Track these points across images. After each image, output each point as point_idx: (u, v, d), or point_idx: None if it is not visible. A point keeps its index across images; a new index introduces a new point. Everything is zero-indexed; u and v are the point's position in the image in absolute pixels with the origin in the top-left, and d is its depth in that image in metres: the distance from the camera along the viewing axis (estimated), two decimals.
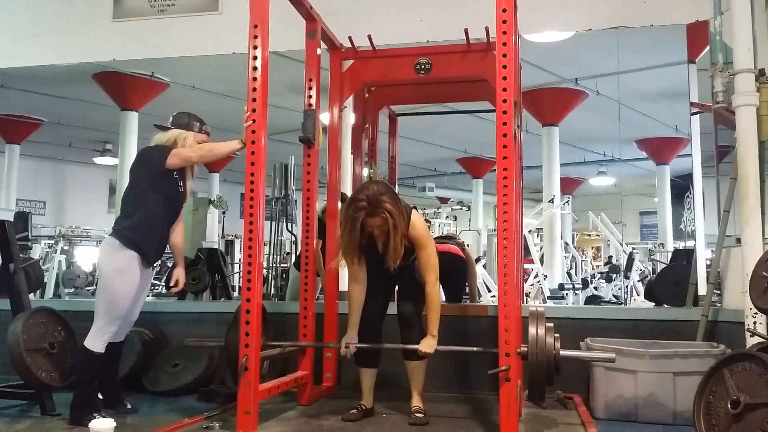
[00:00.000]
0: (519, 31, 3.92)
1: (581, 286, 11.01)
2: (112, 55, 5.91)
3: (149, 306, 4.26)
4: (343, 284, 4.23)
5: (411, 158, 14.59)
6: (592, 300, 10.19)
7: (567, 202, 12.76)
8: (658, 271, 8.07)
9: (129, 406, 3.89)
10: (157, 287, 9.49)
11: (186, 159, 3.71)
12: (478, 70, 4.21)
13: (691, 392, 3.11)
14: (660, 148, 13.40)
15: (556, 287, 10.34)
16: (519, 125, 3.65)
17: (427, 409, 3.65)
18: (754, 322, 3.75)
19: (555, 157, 11.47)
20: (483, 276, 9.13)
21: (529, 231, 10.27)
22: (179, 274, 3.97)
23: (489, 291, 8.98)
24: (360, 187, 3.74)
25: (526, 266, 9.44)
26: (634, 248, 11.96)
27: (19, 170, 13.18)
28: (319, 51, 4.20)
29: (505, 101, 3.19)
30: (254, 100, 3.30)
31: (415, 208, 3.70)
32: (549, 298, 9.60)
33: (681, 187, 11.90)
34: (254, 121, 3.30)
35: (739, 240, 4.06)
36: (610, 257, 13.60)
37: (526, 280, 9.58)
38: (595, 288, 11.48)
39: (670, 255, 8.83)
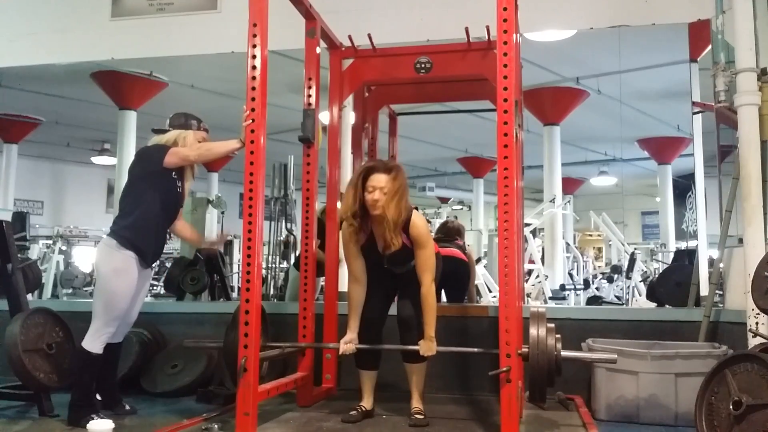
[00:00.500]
0: (520, 29, 3.90)
1: (582, 286, 11.01)
2: (110, 54, 5.88)
3: (148, 306, 4.24)
4: (343, 285, 4.21)
5: (411, 158, 14.58)
6: (594, 300, 10.19)
7: (568, 202, 12.76)
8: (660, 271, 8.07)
9: (127, 408, 3.88)
10: (155, 287, 9.47)
11: (184, 158, 3.69)
12: (479, 69, 4.19)
13: (693, 393, 3.10)
14: (662, 148, 13.40)
15: (558, 288, 10.33)
16: (520, 124, 3.63)
17: (428, 411, 3.63)
18: (757, 323, 3.74)
19: (556, 157, 11.47)
20: (484, 276, 9.11)
21: (530, 231, 10.26)
22: (213, 238, 3.92)
23: (490, 291, 8.97)
24: None
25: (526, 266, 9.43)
26: (635, 248, 11.97)
27: (17, 170, 13.20)
28: (318, 50, 4.18)
29: (505, 100, 3.18)
30: (253, 99, 3.28)
31: (416, 208, 3.68)
32: (550, 298, 9.59)
33: (683, 187, 11.91)
34: (253, 120, 3.28)
35: (741, 240, 4.05)
36: (610, 261, 13.61)
37: (527, 281, 9.56)
38: (597, 288, 11.49)
39: (672, 255, 8.83)
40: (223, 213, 10.05)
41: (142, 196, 3.68)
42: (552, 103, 10.86)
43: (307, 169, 4.12)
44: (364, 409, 3.65)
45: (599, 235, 15.64)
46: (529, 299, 8.93)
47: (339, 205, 4.35)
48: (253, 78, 3.28)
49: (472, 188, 17.05)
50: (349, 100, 4.73)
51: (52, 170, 16.21)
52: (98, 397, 3.77)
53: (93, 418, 3.39)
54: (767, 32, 4.30)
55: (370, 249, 3.63)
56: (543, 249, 11.38)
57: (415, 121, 8.03)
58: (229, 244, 11.44)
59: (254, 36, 3.30)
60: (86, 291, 10.07)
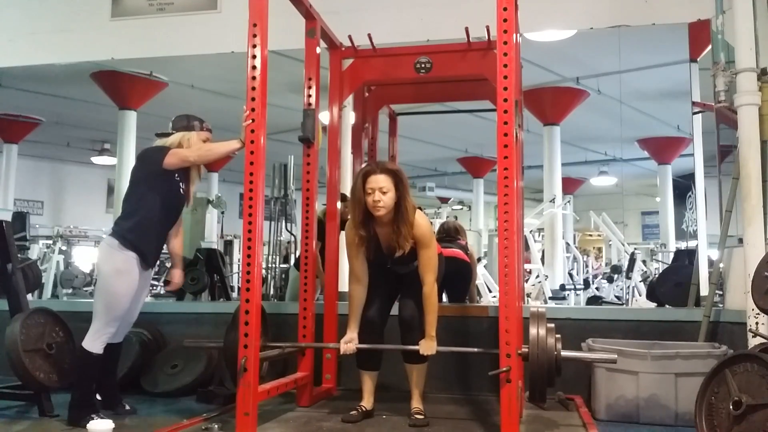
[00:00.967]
0: (520, 29, 3.90)
1: (582, 286, 11.01)
2: (110, 54, 5.88)
3: (148, 306, 4.23)
4: (343, 285, 4.20)
5: (411, 158, 14.57)
6: (594, 300, 10.19)
7: (568, 202, 12.75)
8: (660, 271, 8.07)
9: (127, 408, 3.87)
10: (155, 288, 9.47)
11: (183, 159, 3.69)
12: (479, 69, 4.18)
13: (693, 393, 3.10)
14: (662, 148, 13.39)
15: (558, 288, 10.33)
16: (520, 125, 3.63)
17: (428, 411, 3.63)
18: (757, 323, 3.74)
19: (556, 157, 11.46)
20: (484, 276, 9.11)
21: (530, 231, 10.26)
22: (176, 274, 3.97)
23: (490, 291, 8.97)
24: None
25: (526, 266, 9.43)
26: (635, 248, 11.96)
27: (17, 170, 13.19)
28: (318, 50, 4.17)
29: (505, 101, 3.18)
30: (253, 99, 3.28)
31: (420, 208, 3.68)
32: (550, 298, 9.59)
33: (683, 187, 11.90)
34: (253, 120, 3.27)
35: (741, 240, 4.05)
36: (610, 260, 13.62)
37: (527, 281, 9.57)
38: (597, 288, 11.48)
39: (672, 255, 8.83)
40: (223, 213, 10.08)
41: (144, 198, 3.69)
42: (552, 103, 10.85)
43: (307, 169, 4.12)
44: (364, 409, 3.64)
45: (599, 235, 15.64)
46: (529, 299, 8.93)
47: (339, 205, 4.36)
48: (253, 78, 3.28)
49: (472, 188, 17.05)
50: (349, 100, 4.73)
51: (52, 170, 16.20)
52: (98, 397, 3.77)
53: (93, 418, 3.39)
54: (767, 32, 4.30)
55: (374, 251, 3.63)
56: (543, 249, 11.39)
57: (415, 121, 8.02)
58: (229, 244, 11.46)
59: (254, 36, 3.30)
60: (86, 291, 10.07)
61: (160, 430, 3.38)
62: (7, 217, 9.70)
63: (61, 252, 11.08)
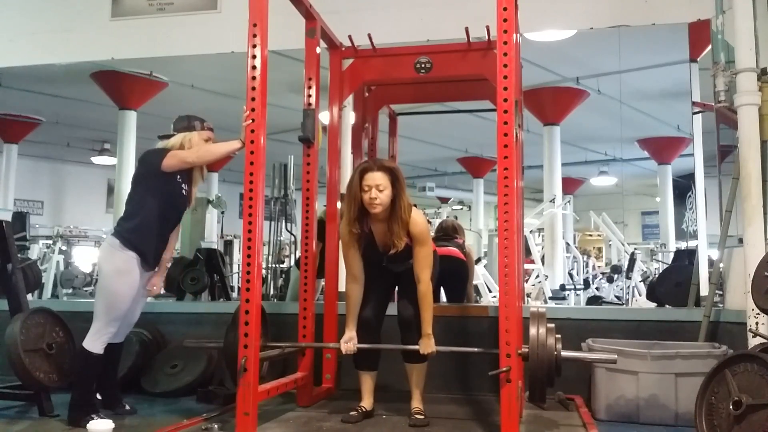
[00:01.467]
0: (520, 29, 3.90)
1: (583, 286, 11.00)
2: (110, 54, 5.88)
3: (148, 307, 4.23)
4: (343, 285, 4.20)
5: (411, 158, 14.57)
6: (594, 300, 10.19)
7: (568, 202, 12.75)
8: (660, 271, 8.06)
9: (127, 407, 3.88)
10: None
11: (182, 160, 3.68)
12: (479, 69, 4.18)
13: (693, 393, 3.10)
14: (662, 148, 13.39)
15: (558, 288, 10.33)
16: (520, 125, 3.63)
17: (428, 411, 3.63)
18: (757, 323, 3.74)
19: (556, 157, 11.46)
20: (484, 276, 9.11)
21: (531, 231, 10.26)
22: (156, 281, 3.89)
23: (490, 291, 8.97)
24: None
25: (526, 266, 9.43)
26: (635, 248, 11.95)
27: (17, 170, 13.19)
28: (318, 50, 4.17)
29: (505, 101, 3.18)
30: (253, 99, 3.28)
31: (415, 206, 3.68)
32: (550, 298, 9.59)
33: (683, 187, 11.90)
34: (253, 120, 3.27)
35: (741, 240, 4.04)
36: (610, 260, 13.62)
37: (527, 281, 9.57)
38: (597, 288, 11.48)
39: (672, 255, 8.83)
40: (223, 213, 10.06)
41: (144, 200, 3.69)
42: (552, 103, 10.85)
43: (307, 169, 4.12)
44: (364, 409, 3.64)
45: (599, 235, 15.63)
46: (529, 299, 8.93)
47: (339, 206, 4.36)
48: (253, 78, 3.28)
49: (472, 188, 17.04)
50: (349, 100, 4.73)
51: (52, 170, 16.19)
52: (98, 396, 3.77)
53: (93, 418, 3.39)
54: (767, 32, 4.30)
55: (369, 248, 3.63)
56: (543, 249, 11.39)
57: (415, 121, 8.02)
58: (229, 244, 11.46)
59: (254, 36, 3.30)
60: (86, 291, 10.07)
61: (160, 430, 3.39)
62: (7, 217, 9.69)
63: (61, 252, 11.08)
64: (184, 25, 5.57)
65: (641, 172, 15.90)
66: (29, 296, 4.62)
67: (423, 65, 4.29)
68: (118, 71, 9.32)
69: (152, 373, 4.58)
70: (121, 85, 9.85)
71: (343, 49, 4.45)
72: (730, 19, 4.22)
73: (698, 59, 5.72)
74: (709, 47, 4.59)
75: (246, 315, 3.20)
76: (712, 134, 4.74)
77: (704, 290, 4.64)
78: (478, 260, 9.12)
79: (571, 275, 11.68)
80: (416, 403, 3.64)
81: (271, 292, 6.71)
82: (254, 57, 3.28)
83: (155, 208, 3.68)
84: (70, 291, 10.33)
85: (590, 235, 16.64)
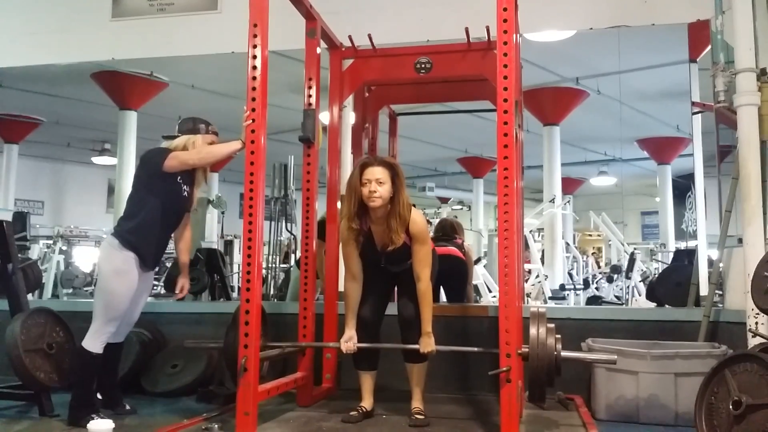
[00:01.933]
0: (520, 30, 3.90)
1: (582, 286, 11.00)
2: (110, 54, 5.89)
3: (148, 306, 4.23)
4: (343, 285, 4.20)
5: (411, 158, 14.57)
6: (594, 300, 10.18)
7: (568, 202, 12.75)
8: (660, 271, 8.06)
9: (127, 407, 3.88)
10: (156, 287, 9.47)
11: (183, 162, 3.69)
12: (479, 69, 4.19)
13: (693, 393, 3.10)
14: (661, 148, 13.38)
15: (557, 287, 10.33)
16: (520, 125, 3.64)
17: (428, 411, 3.63)
18: (756, 323, 3.74)
19: (556, 157, 11.46)
20: (484, 276, 9.11)
21: (530, 231, 10.26)
22: (180, 283, 3.99)
23: (490, 291, 8.97)
24: None
25: (526, 266, 9.44)
26: (635, 248, 11.95)
27: (18, 170, 13.17)
28: (318, 50, 4.18)
29: (505, 101, 3.18)
30: (254, 99, 3.28)
31: (414, 205, 3.68)
32: (550, 298, 9.59)
33: (682, 187, 11.89)
34: (254, 120, 3.28)
35: (740, 240, 4.05)
36: (609, 261, 13.62)
37: (527, 281, 9.57)
38: (597, 288, 11.47)
39: (671, 255, 8.83)
40: (223, 213, 10.06)
41: (145, 200, 3.70)
42: (552, 103, 10.85)
43: (308, 169, 4.12)
44: (364, 409, 3.64)
45: (599, 235, 15.63)
46: (529, 299, 8.94)
47: (339, 206, 4.36)
48: (254, 78, 3.29)
49: (472, 188, 17.04)
50: (349, 100, 4.73)
51: (52, 170, 16.18)
52: (99, 396, 3.78)
53: (93, 418, 3.39)
54: (767, 32, 4.30)
55: (368, 247, 3.63)
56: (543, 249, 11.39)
57: (415, 121, 8.02)
58: (229, 244, 11.45)
59: (254, 36, 3.30)
60: (86, 291, 10.06)
61: (160, 430, 3.39)
62: (8, 217, 9.69)
63: (61, 252, 11.08)
64: (185, 26, 5.57)
65: (641, 172, 15.90)
66: (29, 296, 4.62)
67: (423, 65, 4.30)
68: (119, 71, 9.32)
69: (152, 373, 4.58)
70: (122, 86, 9.85)
71: (344, 49, 4.46)
72: (730, 20, 4.22)
73: (698, 59, 5.72)
74: (709, 47, 4.59)
75: (246, 315, 3.21)
76: (712, 134, 4.74)
77: (704, 290, 4.65)
78: (478, 260, 9.12)
79: (570, 275, 11.69)
80: (416, 403, 3.64)
81: (272, 292, 6.70)
82: (255, 57, 3.28)
83: (156, 208, 3.68)
84: (70, 291, 10.32)
85: (590, 235, 16.63)
